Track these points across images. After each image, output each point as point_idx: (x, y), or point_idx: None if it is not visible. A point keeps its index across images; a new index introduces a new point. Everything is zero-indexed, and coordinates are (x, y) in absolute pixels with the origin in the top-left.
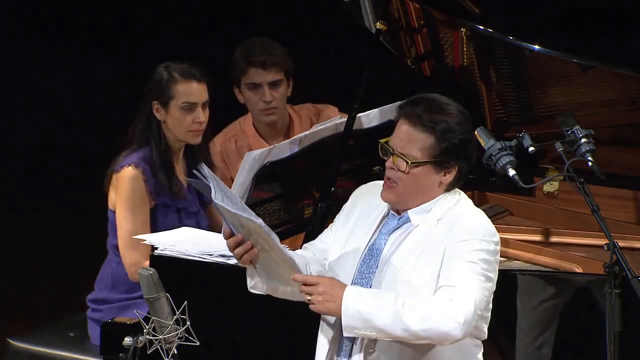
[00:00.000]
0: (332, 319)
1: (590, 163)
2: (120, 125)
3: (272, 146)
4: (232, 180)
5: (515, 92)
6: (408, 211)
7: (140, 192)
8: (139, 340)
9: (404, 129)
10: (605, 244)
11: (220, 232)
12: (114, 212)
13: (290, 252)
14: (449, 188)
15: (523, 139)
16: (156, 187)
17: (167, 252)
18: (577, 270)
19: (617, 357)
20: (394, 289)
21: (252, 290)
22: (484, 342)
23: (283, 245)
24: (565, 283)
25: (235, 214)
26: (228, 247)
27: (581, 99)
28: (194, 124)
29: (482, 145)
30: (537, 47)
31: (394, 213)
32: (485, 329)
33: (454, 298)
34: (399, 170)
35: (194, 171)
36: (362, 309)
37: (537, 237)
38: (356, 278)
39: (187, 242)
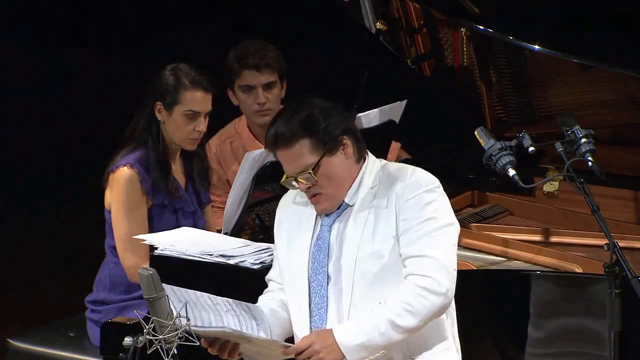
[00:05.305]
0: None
1: (590, 163)
2: (120, 124)
3: None
4: (229, 182)
5: (515, 92)
6: None
7: (136, 193)
8: (139, 340)
9: (281, 156)
10: (605, 244)
11: (218, 233)
12: (110, 212)
13: (263, 317)
14: (359, 156)
15: (523, 139)
16: (152, 187)
17: (167, 252)
18: (577, 270)
19: (617, 357)
20: (357, 268)
21: None
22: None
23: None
24: (565, 283)
25: (206, 330)
26: (210, 352)
27: (581, 99)
28: (194, 132)
29: (482, 145)
30: (537, 47)
31: None
32: (453, 288)
33: (427, 271)
34: (312, 183)
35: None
36: (360, 341)
37: (537, 237)
38: (311, 277)
39: (186, 242)
